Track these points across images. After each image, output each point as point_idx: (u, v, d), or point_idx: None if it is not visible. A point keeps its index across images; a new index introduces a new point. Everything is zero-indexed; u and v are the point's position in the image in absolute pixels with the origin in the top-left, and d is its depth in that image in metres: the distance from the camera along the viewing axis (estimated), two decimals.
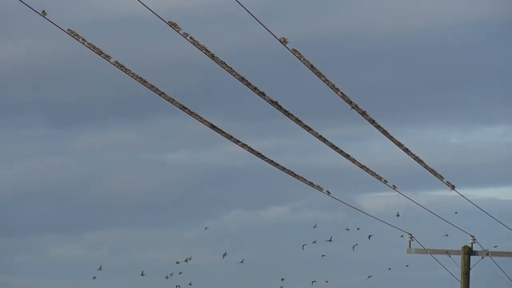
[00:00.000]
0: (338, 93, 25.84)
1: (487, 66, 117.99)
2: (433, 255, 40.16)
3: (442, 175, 36.04)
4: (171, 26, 19.91)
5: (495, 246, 42.80)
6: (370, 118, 27.49)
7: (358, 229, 60.19)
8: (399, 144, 30.06)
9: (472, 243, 39.72)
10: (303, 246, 62.80)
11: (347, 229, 62.88)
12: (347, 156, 28.20)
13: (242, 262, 73.21)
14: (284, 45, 22.71)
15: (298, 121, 25.32)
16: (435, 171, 34.80)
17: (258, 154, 25.75)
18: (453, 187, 37.31)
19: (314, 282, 67.38)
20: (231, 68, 21.75)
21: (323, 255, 67.17)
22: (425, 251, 39.88)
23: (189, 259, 72.01)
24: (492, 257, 40.18)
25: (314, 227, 52.27)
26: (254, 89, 22.61)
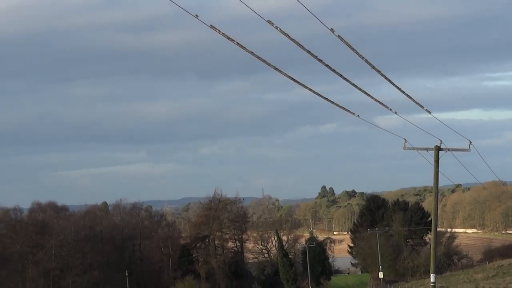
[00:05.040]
0: (363, 59, 40.99)
1: None
2: (418, 151, 50.11)
3: (423, 105, 43.02)
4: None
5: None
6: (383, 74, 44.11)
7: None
8: (398, 88, 39.17)
9: (440, 143, 50.00)
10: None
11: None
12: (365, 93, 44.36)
13: None
14: (333, 32, 32.28)
15: (340, 74, 42.36)
16: (418, 103, 42.12)
17: (318, 94, 42.70)
18: (429, 112, 45.11)
19: None
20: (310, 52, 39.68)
21: None
22: (413, 148, 49.81)
23: None
24: (452, 152, 50.59)
25: None
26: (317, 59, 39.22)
